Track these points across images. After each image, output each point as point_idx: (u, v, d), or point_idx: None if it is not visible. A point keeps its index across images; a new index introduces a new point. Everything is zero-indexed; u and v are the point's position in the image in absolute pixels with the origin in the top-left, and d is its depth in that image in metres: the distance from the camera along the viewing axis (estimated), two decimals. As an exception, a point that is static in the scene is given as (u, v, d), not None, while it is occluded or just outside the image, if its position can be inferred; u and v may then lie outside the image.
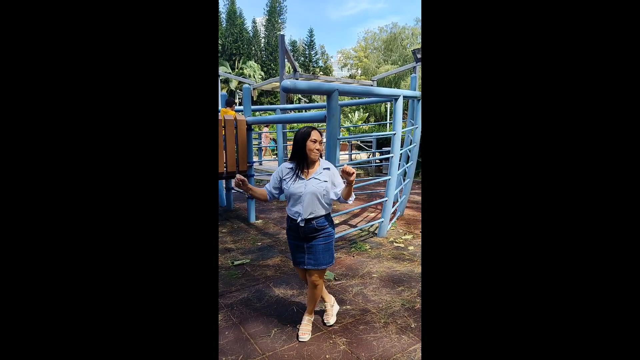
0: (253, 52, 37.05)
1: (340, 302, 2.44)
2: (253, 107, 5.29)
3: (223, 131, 4.15)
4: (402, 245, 3.64)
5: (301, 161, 1.83)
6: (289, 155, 6.13)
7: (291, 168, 1.86)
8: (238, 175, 1.68)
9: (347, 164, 1.94)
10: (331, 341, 1.98)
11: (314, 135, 1.80)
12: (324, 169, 1.86)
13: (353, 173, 1.60)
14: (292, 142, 2.01)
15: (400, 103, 3.68)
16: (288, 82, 2.56)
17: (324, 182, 1.82)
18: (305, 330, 2.02)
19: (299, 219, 1.82)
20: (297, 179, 1.82)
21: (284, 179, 1.86)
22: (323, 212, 1.85)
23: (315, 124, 3.36)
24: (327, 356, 1.85)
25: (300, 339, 1.98)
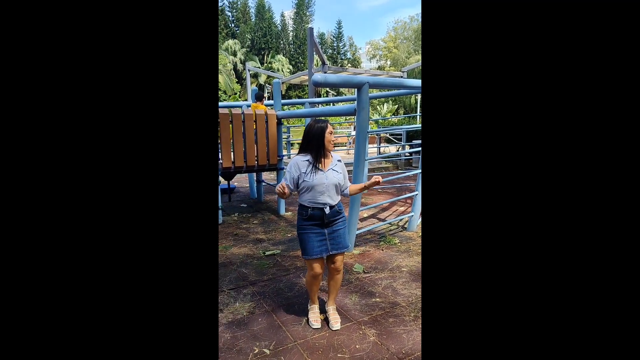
0: (281, 46, 37.30)
1: (369, 294, 2.46)
2: (282, 101, 5.36)
3: (255, 125, 4.26)
4: (432, 239, 3.59)
5: (319, 153, 1.90)
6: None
7: (307, 160, 1.90)
8: (280, 186, 1.80)
9: (379, 157, 2.01)
10: (361, 332, 2.01)
11: (330, 127, 1.94)
12: (338, 160, 1.99)
13: (379, 183, 1.91)
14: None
15: (432, 95, 3.60)
16: (319, 76, 2.58)
17: (339, 173, 1.96)
18: (335, 319, 2.07)
19: (326, 207, 1.90)
20: (317, 170, 1.88)
21: (304, 172, 1.88)
22: (339, 198, 2.02)
23: (343, 117, 3.35)
24: (357, 346, 1.88)
25: (333, 328, 2.03)
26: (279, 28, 37.86)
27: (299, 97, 29.24)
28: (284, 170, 4.82)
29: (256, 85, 24.64)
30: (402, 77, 10.15)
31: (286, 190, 1.81)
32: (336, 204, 1.96)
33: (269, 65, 29.86)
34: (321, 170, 1.90)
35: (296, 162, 1.93)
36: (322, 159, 1.91)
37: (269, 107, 5.07)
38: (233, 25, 38.69)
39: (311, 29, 8.24)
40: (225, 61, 28.74)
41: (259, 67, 25.21)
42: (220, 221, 4.31)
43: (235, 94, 22.19)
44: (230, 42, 31.73)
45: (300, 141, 2.27)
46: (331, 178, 1.91)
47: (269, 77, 26.68)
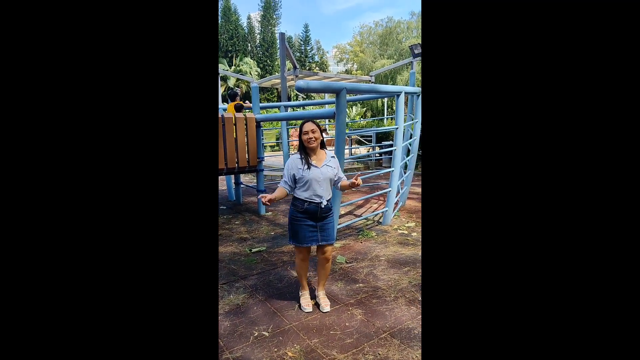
0: (249, 48, 36.99)
1: (353, 281, 2.71)
2: (260, 104, 5.50)
3: (234, 128, 4.38)
4: (405, 232, 3.91)
5: (303, 151, 2.14)
6: (292, 151, 6.37)
7: (300, 158, 2.13)
8: (263, 198, 1.99)
9: (351, 158, 2.27)
10: (349, 312, 2.24)
11: (305, 127, 2.12)
12: (332, 157, 2.20)
13: (359, 185, 2.10)
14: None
15: (402, 99, 3.93)
16: (302, 83, 2.79)
17: (333, 168, 2.17)
18: (325, 302, 2.29)
19: (320, 200, 2.12)
20: (311, 166, 2.11)
21: (300, 168, 2.10)
22: (331, 194, 2.21)
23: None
24: (347, 324, 2.11)
25: (323, 310, 2.25)
26: (246, 31, 37.55)
27: (268, 100, 29.18)
28: (263, 171, 4.97)
29: (225, 89, 24.32)
30: (370, 81, 10.58)
31: (269, 203, 2.01)
32: (329, 200, 2.18)
33: (238, 68, 29.55)
34: (316, 166, 2.13)
35: (292, 159, 2.16)
36: (308, 156, 2.13)
37: (248, 111, 5.19)
38: (198, 27, 37.71)
39: (282, 34, 8.45)
40: (191, 63, 28.01)
41: (227, 70, 24.91)
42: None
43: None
44: (196, 44, 31.00)
45: (272, 143, 2.49)
46: (326, 173, 2.14)
47: (238, 79, 26.42)
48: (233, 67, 29.96)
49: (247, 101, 5.29)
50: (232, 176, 5.81)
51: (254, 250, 3.43)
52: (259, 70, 32.53)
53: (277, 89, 20.87)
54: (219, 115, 4.32)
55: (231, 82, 26.59)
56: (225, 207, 5.34)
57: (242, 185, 5.72)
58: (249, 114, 4.62)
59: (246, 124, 4.47)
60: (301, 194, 2.13)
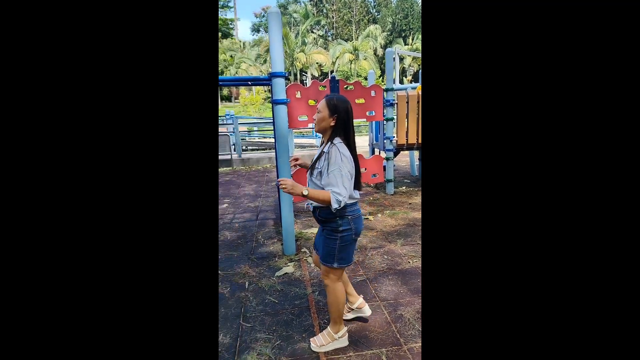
0: (424, 24, 35.58)
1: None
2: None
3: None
4: None
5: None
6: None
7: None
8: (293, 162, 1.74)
9: None
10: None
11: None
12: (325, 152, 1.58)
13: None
14: None
15: None
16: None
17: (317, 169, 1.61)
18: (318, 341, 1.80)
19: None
20: None
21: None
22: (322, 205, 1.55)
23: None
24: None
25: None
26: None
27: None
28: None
29: (400, 69, 24.56)
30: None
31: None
32: (319, 209, 1.68)
33: (414, 46, 29.12)
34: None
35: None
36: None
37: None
38: (374, 11, 39.10)
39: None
40: (366, 47, 29.58)
41: (406, 50, 24.97)
42: (391, 192, 4.88)
43: (378, 78, 22.81)
44: (372, 27, 32.28)
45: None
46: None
47: (414, 59, 26.10)
48: (408, 47, 29.70)
49: None
50: (416, 152, 6.06)
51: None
52: (433, 46, 31.03)
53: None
54: (404, 93, 4.57)
55: (407, 62, 26.50)
56: (408, 181, 5.68)
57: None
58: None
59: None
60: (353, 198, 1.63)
